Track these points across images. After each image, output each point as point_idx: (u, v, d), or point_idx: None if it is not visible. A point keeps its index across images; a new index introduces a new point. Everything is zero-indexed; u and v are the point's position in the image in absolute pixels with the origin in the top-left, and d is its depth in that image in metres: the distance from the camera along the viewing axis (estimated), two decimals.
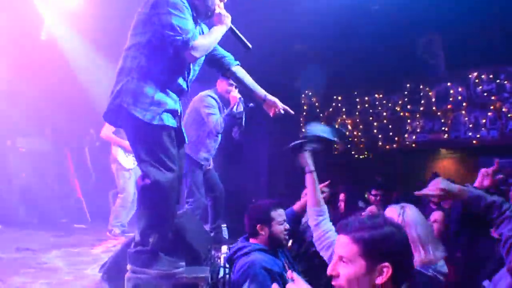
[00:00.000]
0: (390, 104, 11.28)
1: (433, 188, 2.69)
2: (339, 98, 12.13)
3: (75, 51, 9.47)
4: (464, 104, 10.00)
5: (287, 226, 3.78)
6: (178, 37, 3.24)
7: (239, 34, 3.74)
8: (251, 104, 5.41)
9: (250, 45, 3.75)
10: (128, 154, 7.14)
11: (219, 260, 5.07)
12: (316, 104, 12.53)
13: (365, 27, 9.43)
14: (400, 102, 11.03)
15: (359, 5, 8.95)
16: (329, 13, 8.84)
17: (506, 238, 2.44)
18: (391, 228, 1.95)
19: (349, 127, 11.86)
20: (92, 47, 9.43)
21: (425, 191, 2.74)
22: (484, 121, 9.73)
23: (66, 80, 9.12)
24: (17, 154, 8.72)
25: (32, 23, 8.98)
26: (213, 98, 5.57)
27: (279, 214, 3.74)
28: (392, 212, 3.16)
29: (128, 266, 3.38)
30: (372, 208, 5.71)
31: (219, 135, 5.63)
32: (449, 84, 10.25)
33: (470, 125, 9.89)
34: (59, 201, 9.43)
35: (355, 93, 11.82)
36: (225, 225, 6.24)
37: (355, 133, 11.79)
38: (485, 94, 9.81)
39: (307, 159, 3.24)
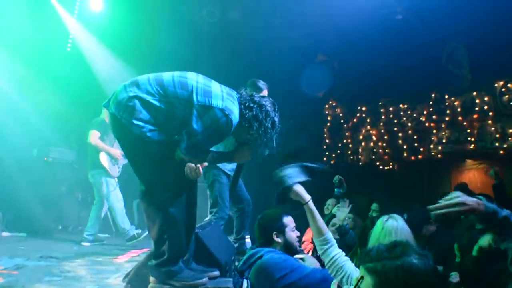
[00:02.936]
0: (415, 115, 11.12)
1: (451, 203, 2.52)
2: (364, 108, 12.03)
3: (101, 63, 9.61)
4: (490, 113, 9.78)
5: (298, 233, 3.81)
6: (186, 143, 3.25)
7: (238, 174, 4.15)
8: None
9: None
10: (114, 162, 7.25)
11: None
12: (340, 114, 12.45)
13: (389, 38, 9.38)
14: (425, 112, 10.87)
15: (382, 15, 8.90)
16: (352, 23, 8.82)
17: None
18: (410, 259, 1.78)
19: (374, 138, 11.74)
20: (118, 59, 9.57)
21: (443, 206, 2.43)
22: (511, 130, 9.51)
23: (92, 90, 9.23)
24: (43, 164, 8.83)
25: (58, 36, 9.14)
26: None
27: (290, 220, 3.76)
28: (379, 222, 3.39)
29: (151, 279, 3.39)
30: None
31: None
32: (474, 93, 10.05)
33: (497, 135, 9.66)
34: (83, 210, 9.51)
35: (380, 103, 11.70)
36: (248, 237, 6.20)
37: (379, 144, 11.65)
38: None
39: (298, 193, 3.06)
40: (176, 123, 3.32)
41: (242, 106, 3.36)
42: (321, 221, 3.06)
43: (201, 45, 9.60)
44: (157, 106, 3.26)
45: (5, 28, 8.10)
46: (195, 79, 3.35)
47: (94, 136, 7.27)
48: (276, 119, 3.43)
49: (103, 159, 7.28)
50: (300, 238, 4.39)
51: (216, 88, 3.35)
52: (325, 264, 3.08)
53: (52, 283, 4.56)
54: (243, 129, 3.38)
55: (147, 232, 6.88)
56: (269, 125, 3.37)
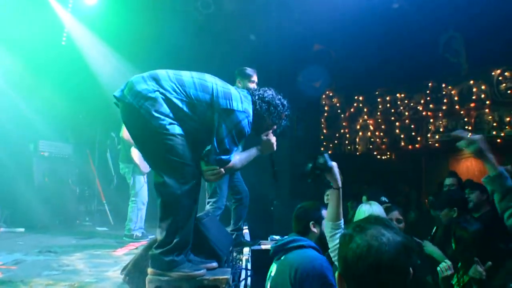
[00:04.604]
0: (412, 104, 11.12)
1: (474, 136, 2.74)
2: (361, 98, 12.01)
3: (96, 56, 9.57)
4: (487, 102, 9.77)
5: None
6: (216, 154, 3.40)
7: (273, 165, 3.96)
8: None
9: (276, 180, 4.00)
10: None
11: (240, 262, 5.05)
12: (337, 104, 12.44)
13: (385, 26, 9.35)
14: (422, 101, 10.86)
15: (378, 3, 8.87)
16: (349, 12, 8.79)
17: None
18: (355, 234, 1.56)
19: (371, 127, 11.73)
20: (113, 52, 9.53)
21: (464, 133, 2.90)
22: (508, 119, 9.50)
23: (87, 84, 9.21)
24: (40, 158, 8.81)
25: (52, 29, 9.09)
26: None
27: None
28: (364, 207, 3.89)
29: (150, 270, 3.39)
30: None
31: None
32: (471, 82, 10.04)
33: (494, 124, 9.66)
34: (81, 204, 9.51)
35: (377, 93, 11.68)
36: (246, 228, 6.21)
37: (377, 133, 11.65)
38: (509, 91, 9.58)
39: (336, 176, 3.15)
40: (193, 124, 3.41)
41: (254, 99, 3.61)
42: (341, 208, 3.17)
43: (195, 36, 9.56)
44: (179, 106, 3.35)
45: None
46: (214, 81, 3.51)
47: (125, 131, 7.26)
48: (284, 100, 3.79)
49: (135, 154, 7.20)
50: None
51: (233, 90, 3.54)
52: (330, 247, 3.18)
53: (51, 277, 4.55)
54: (260, 119, 3.64)
55: (148, 239, 6.86)
56: (284, 103, 3.78)
